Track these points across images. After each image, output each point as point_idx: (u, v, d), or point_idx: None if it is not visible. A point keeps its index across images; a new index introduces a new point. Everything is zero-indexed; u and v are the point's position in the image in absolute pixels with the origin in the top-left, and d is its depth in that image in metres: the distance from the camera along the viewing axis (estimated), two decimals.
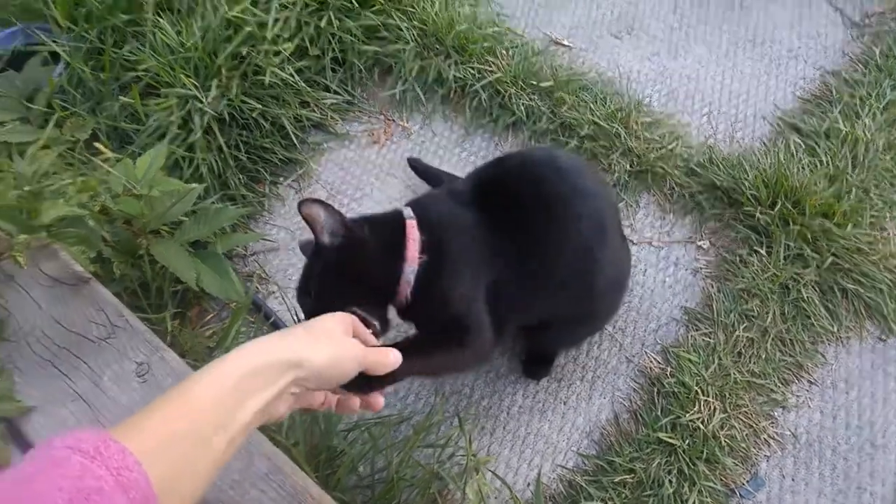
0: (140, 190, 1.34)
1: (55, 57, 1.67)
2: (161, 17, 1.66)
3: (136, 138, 1.60)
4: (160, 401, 0.55)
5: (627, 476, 1.20)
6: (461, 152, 1.66)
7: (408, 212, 0.95)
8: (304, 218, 0.87)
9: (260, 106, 1.62)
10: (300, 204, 0.85)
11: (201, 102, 1.57)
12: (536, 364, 1.35)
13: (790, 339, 1.31)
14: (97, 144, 1.49)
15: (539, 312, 1.10)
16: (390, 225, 0.93)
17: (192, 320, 1.45)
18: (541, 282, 1.00)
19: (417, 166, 1.62)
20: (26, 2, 1.77)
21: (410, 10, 1.74)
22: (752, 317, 1.33)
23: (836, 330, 1.33)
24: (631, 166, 1.54)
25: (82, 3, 1.69)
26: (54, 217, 1.17)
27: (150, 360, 1.04)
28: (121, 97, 1.62)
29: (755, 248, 1.40)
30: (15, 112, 1.63)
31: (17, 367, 1.03)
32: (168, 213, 1.38)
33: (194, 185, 1.43)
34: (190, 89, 1.57)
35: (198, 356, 1.36)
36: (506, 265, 0.97)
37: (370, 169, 1.68)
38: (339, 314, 0.74)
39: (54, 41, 1.66)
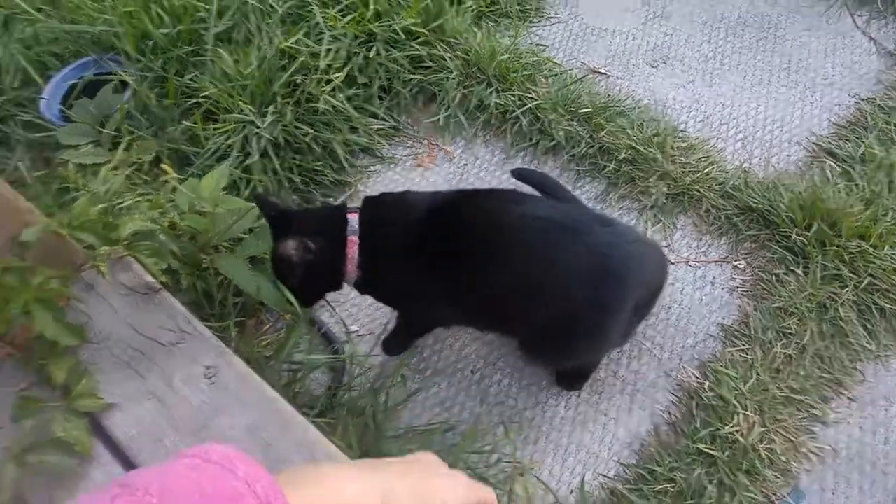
0: (205, 207, 1.47)
1: (124, 85, 1.84)
2: (221, 48, 1.82)
3: (196, 160, 1.75)
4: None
5: (668, 485, 1.26)
6: (502, 174, 1.77)
7: (352, 226, 1.23)
8: (279, 252, 1.23)
9: (312, 131, 1.76)
10: (278, 244, 1.24)
11: (258, 127, 1.72)
12: (567, 376, 1.45)
13: (829, 357, 1.38)
14: (162, 166, 1.65)
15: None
16: (338, 244, 1.23)
17: (251, 330, 1.57)
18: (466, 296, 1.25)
19: (524, 174, 1.59)
20: (98, 35, 1.96)
21: (454, 41, 1.88)
22: (790, 334, 1.40)
23: (874, 348, 1.39)
24: (668, 189, 1.63)
25: (149, 36, 1.87)
26: (131, 231, 1.30)
27: (217, 364, 1.15)
28: (183, 122, 1.78)
29: (792, 267, 1.47)
30: (89, 136, 1.80)
31: (98, 367, 1.15)
32: (230, 229, 1.51)
33: (254, 203, 1.56)
34: (247, 115, 1.72)
35: (257, 364, 1.47)
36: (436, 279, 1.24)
37: (414, 189, 1.79)
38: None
39: (123, 71, 1.83)
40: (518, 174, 1.55)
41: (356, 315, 1.59)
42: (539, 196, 1.34)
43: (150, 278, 1.28)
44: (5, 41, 2.04)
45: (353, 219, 1.24)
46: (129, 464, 1.05)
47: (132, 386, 1.12)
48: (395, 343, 1.51)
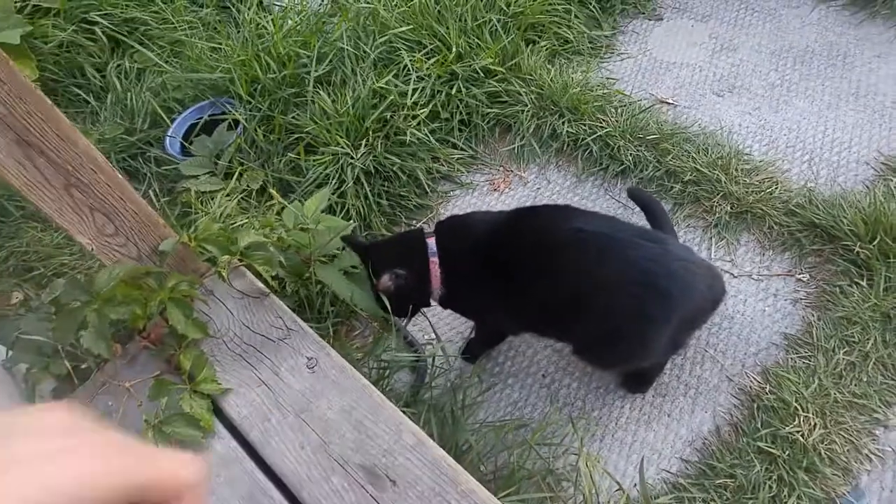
0: (308, 224, 1.76)
1: (236, 123, 2.20)
2: (320, 90, 2.16)
3: (297, 188, 2.06)
4: None
5: (728, 480, 1.39)
6: (573, 197, 1.98)
7: (431, 249, 1.46)
8: (379, 290, 1.50)
9: (399, 161, 2.05)
10: (375, 284, 1.51)
11: (352, 158, 2.02)
12: (631, 380, 1.61)
13: (892, 364, 1.47)
14: (270, 191, 1.98)
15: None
16: (422, 267, 1.47)
17: (343, 335, 1.83)
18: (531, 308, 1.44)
19: (635, 194, 1.73)
20: (215, 81, 2.35)
21: (529, 77, 2.15)
22: (853, 342, 1.51)
23: None
24: (731, 208, 1.79)
25: (258, 81, 2.24)
26: (247, 243, 1.60)
27: (318, 356, 1.40)
28: (288, 154, 2.11)
29: (855, 279, 1.59)
30: (206, 168, 2.17)
31: (216, 358, 1.43)
32: (329, 244, 1.79)
33: (350, 222, 1.85)
34: (343, 147, 2.03)
35: (350, 362, 1.72)
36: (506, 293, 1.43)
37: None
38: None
39: (235, 111, 2.20)
40: (630, 193, 1.74)
41: (437, 324, 1.82)
42: (592, 212, 1.52)
43: (260, 284, 1.57)
44: (138, 90, 2.48)
45: (431, 242, 1.49)
46: (241, 439, 1.31)
47: (245, 374, 1.40)
48: (472, 350, 1.73)
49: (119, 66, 2.61)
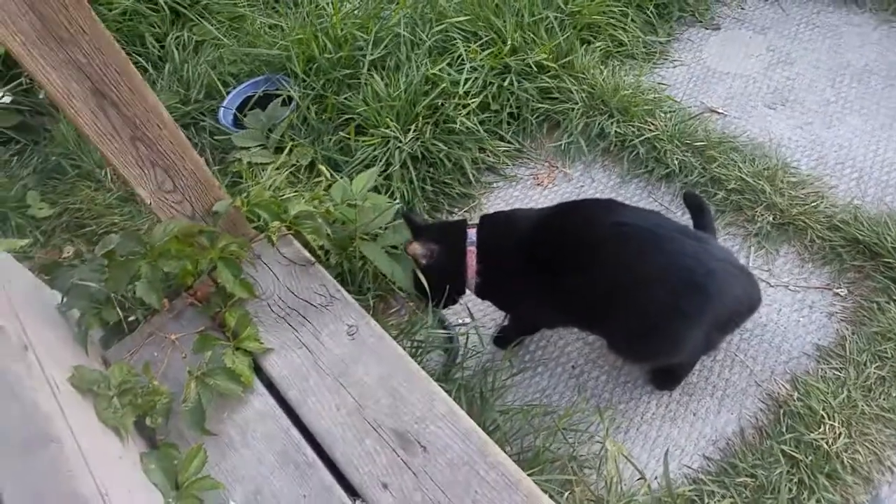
0: (356, 201, 1.88)
1: (290, 100, 2.34)
2: (374, 73, 2.29)
3: (344, 168, 2.19)
4: None
5: (749, 479, 1.48)
6: (616, 197, 2.08)
7: (471, 239, 1.58)
8: (408, 251, 1.62)
9: (446, 148, 2.17)
10: (406, 243, 1.62)
11: (400, 142, 2.15)
12: (660, 376, 1.71)
13: None
14: (320, 167, 2.11)
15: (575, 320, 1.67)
16: (457, 252, 1.59)
17: (380, 312, 1.95)
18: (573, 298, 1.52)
19: (691, 199, 1.74)
20: (272, 57, 2.50)
21: (581, 76, 2.26)
22: (886, 357, 1.59)
23: None
24: (774, 219, 1.88)
25: (314, 60, 2.38)
26: (297, 211, 1.71)
27: (358, 324, 1.52)
28: (339, 132, 2.24)
29: (894, 297, 1.67)
30: (258, 140, 2.32)
31: (259, 319, 1.55)
32: (373, 222, 1.91)
33: (396, 202, 1.97)
34: (392, 131, 2.16)
35: None
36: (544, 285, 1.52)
37: (531, 206, 2.15)
38: None
39: (290, 88, 2.34)
40: (686, 196, 1.76)
41: (472, 309, 1.93)
42: (635, 206, 1.60)
43: (307, 253, 1.70)
44: (195, 62, 2.65)
45: (472, 232, 1.61)
46: (279, 397, 1.43)
47: (287, 336, 1.52)
48: (505, 337, 1.84)
49: (178, 37, 2.77)
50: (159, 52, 2.76)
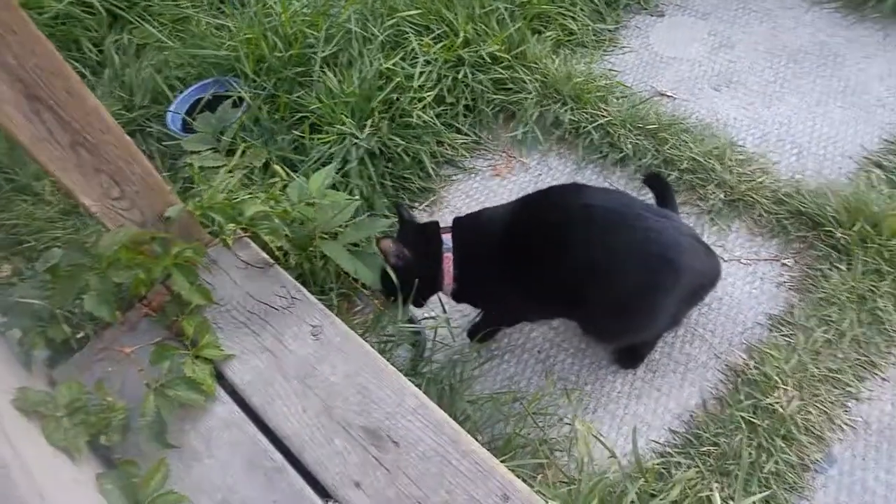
0: (314, 199, 1.88)
1: (241, 101, 2.32)
2: (326, 70, 2.29)
3: (300, 167, 2.19)
4: None
5: (712, 448, 1.56)
6: None
7: (447, 245, 1.58)
8: (380, 247, 1.59)
9: (404, 143, 2.19)
10: (378, 240, 1.59)
11: (357, 139, 2.16)
12: (624, 355, 1.78)
13: (865, 342, 1.66)
14: (275, 167, 2.10)
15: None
16: (432, 258, 1.59)
17: (345, 311, 1.96)
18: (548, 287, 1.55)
19: (654, 182, 1.80)
20: (220, 58, 2.47)
21: (534, 65, 2.31)
22: (831, 322, 1.69)
23: None
24: (724, 196, 1.97)
25: (264, 60, 2.36)
26: (253, 212, 1.70)
27: (322, 324, 1.52)
28: (293, 131, 2.24)
29: (835, 263, 1.77)
30: (209, 144, 2.30)
31: (219, 326, 1.54)
32: (332, 220, 1.92)
33: (356, 198, 1.99)
34: (348, 128, 2.17)
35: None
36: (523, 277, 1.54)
37: (492, 197, 2.19)
38: None
39: (240, 89, 2.32)
40: (649, 177, 1.83)
41: (434, 303, 1.96)
42: (599, 187, 1.66)
43: (265, 255, 1.68)
44: (137, 66, 2.60)
45: (447, 238, 1.62)
46: (244, 404, 1.42)
47: (248, 341, 1.51)
48: (481, 331, 1.85)
49: (118, 41, 2.70)
50: (97, 56, 2.69)
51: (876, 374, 1.63)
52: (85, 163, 1.34)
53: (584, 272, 1.48)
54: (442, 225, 1.67)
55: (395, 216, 2.17)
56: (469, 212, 1.71)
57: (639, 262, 1.44)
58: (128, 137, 1.39)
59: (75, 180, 1.35)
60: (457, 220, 1.68)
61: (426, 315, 1.94)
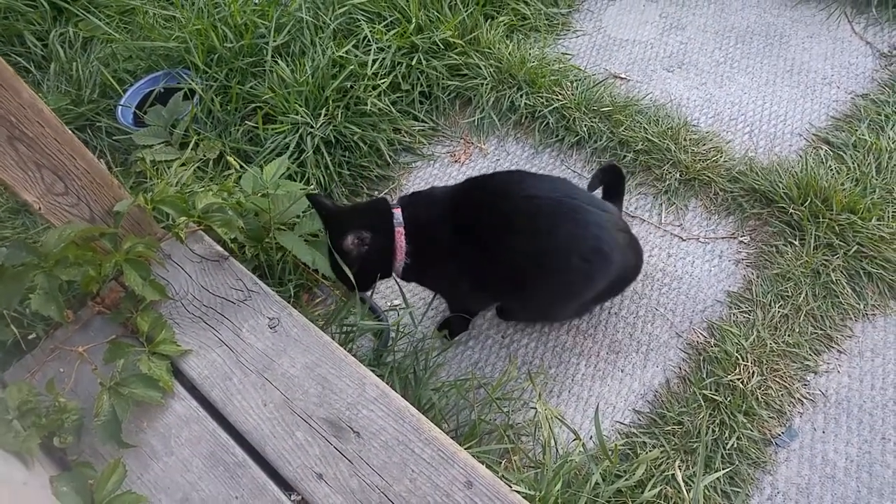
0: (268, 190, 1.79)
1: (192, 94, 2.21)
2: (278, 60, 2.19)
3: (255, 158, 2.09)
4: None
5: (676, 426, 1.52)
6: (531, 168, 2.08)
7: (397, 219, 1.50)
8: (343, 249, 1.48)
9: (360, 131, 2.10)
10: (339, 243, 1.48)
11: (312, 128, 2.07)
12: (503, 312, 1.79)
13: (821, 316, 1.64)
14: (229, 158, 2.00)
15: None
16: (387, 235, 1.50)
17: (304, 303, 1.88)
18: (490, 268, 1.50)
19: (609, 177, 1.74)
20: (170, 51, 2.35)
21: (487, 51, 2.23)
22: (787, 297, 1.67)
23: (862, 307, 1.64)
24: (680, 175, 1.93)
25: (215, 51, 2.25)
26: (205, 204, 1.61)
27: (279, 316, 1.45)
28: (246, 122, 2.14)
29: (789, 239, 1.75)
30: (161, 137, 2.17)
31: (175, 321, 1.46)
32: (288, 210, 1.83)
33: (311, 187, 1.90)
34: (302, 117, 2.07)
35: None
36: (469, 256, 1.49)
37: (452, 183, 2.11)
38: None
39: (192, 81, 2.20)
40: (605, 169, 1.74)
41: (397, 292, 1.89)
42: (544, 175, 1.58)
43: (219, 248, 1.60)
44: (84, 60, 2.45)
45: (398, 213, 1.53)
46: (203, 399, 1.35)
47: (205, 336, 1.44)
48: (453, 325, 1.79)
49: (63, 34, 2.55)
50: (42, 51, 2.54)
51: (832, 347, 1.61)
52: (25, 158, 1.25)
53: (526, 261, 1.44)
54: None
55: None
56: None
57: (577, 253, 1.41)
58: (70, 133, 1.30)
59: (15, 176, 1.26)
60: (404, 197, 1.61)
61: (389, 307, 1.87)
